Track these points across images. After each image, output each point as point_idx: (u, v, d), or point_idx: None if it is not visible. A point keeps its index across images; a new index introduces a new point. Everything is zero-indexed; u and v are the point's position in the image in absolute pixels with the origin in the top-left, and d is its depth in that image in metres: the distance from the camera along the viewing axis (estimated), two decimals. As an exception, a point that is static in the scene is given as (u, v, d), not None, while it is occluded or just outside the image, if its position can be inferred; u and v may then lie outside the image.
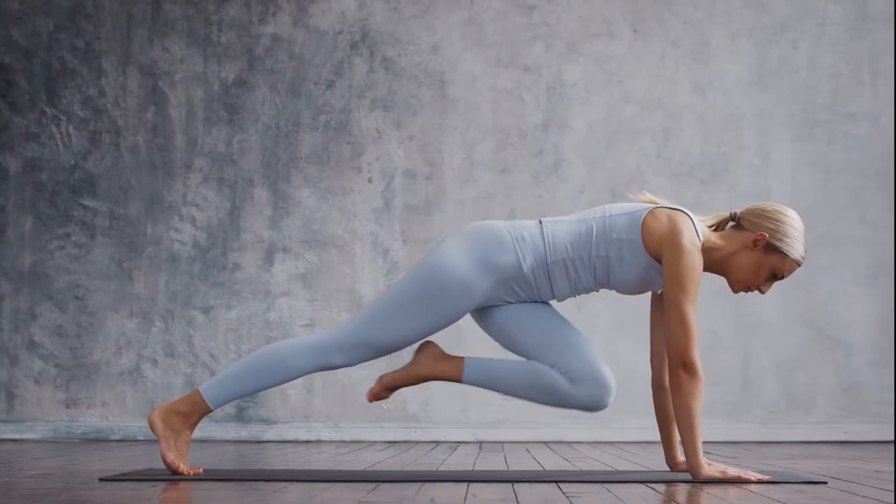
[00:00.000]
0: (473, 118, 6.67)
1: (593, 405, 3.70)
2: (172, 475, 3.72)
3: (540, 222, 3.78)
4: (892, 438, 6.41)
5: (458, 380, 3.79)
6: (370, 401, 3.87)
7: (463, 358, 3.80)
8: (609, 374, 3.71)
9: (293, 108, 6.67)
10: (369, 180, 6.65)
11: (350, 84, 6.68)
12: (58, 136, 6.66)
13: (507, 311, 3.79)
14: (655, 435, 4.15)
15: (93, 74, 6.70)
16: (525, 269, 3.71)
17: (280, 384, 3.79)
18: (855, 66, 6.66)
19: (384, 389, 3.85)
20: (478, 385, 3.81)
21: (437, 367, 3.80)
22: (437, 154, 6.67)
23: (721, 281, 3.84)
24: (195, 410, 3.76)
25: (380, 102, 6.68)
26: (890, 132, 6.61)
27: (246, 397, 3.86)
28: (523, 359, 3.79)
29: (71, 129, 6.66)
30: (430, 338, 3.83)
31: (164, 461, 3.74)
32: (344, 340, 3.73)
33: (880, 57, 6.65)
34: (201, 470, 3.85)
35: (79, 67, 6.69)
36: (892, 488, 3.45)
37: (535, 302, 3.81)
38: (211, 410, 3.78)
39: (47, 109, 6.66)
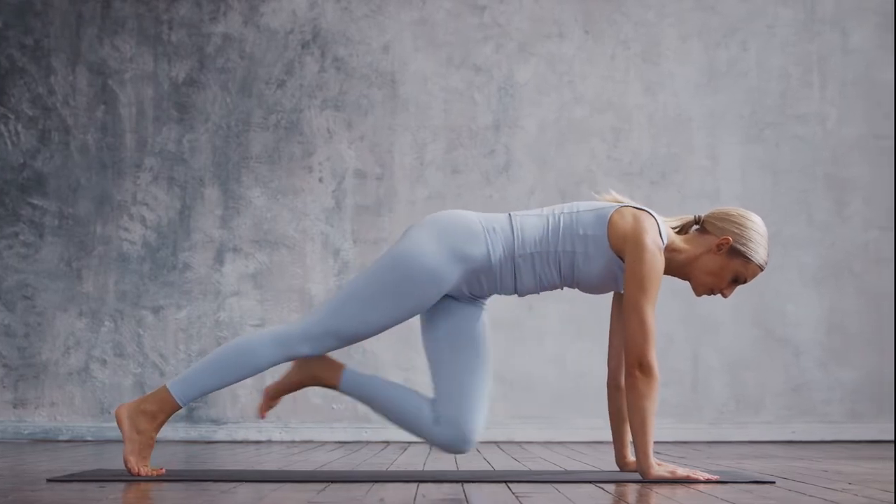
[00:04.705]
0: (424, 118, 6.67)
1: (449, 449, 3.78)
2: (130, 476, 3.69)
3: (510, 215, 3.78)
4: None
5: (335, 387, 3.82)
6: (262, 415, 3.90)
7: (343, 366, 3.82)
8: (476, 426, 3.76)
9: (244, 107, 6.65)
10: (320, 180, 6.64)
11: (301, 84, 6.67)
12: (6, 134, 6.61)
13: (451, 326, 3.81)
14: (605, 435, 4.17)
15: (42, 73, 6.65)
16: (493, 260, 3.71)
17: (246, 377, 3.75)
18: (804, 67, 6.71)
19: (270, 399, 3.88)
20: (353, 397, 3.85)
21: (313, 373, 3.83)
22: (388, 154, 6.66)
23: (673, 282, 3.86)
24: (163, 409, 3.71)
25: (331, 102, 6.67)
26: (837, 134, 6.67)
27: (213, 392, 3.82)
28: (402, 384, 3.87)
29: (20, 128, 6.61)
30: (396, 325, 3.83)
31: (126, 464, 3.70)
32: (310, 330, 3.71)
33: (828, 59, 6.71)
34: (163, 470, 3.81)
35: (28, 65, 6.64)
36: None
37: (477, 322, 3.83)
38: (180, 408, 3.73)
39: (-5, 108, 6.62)
